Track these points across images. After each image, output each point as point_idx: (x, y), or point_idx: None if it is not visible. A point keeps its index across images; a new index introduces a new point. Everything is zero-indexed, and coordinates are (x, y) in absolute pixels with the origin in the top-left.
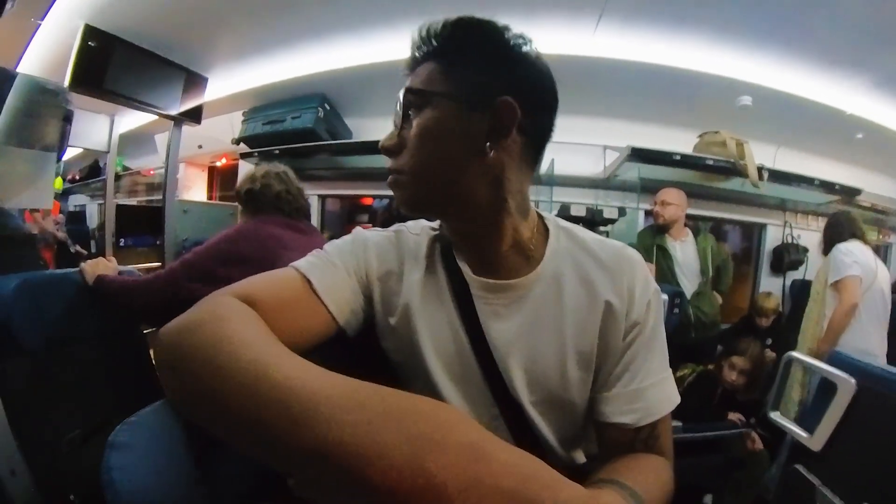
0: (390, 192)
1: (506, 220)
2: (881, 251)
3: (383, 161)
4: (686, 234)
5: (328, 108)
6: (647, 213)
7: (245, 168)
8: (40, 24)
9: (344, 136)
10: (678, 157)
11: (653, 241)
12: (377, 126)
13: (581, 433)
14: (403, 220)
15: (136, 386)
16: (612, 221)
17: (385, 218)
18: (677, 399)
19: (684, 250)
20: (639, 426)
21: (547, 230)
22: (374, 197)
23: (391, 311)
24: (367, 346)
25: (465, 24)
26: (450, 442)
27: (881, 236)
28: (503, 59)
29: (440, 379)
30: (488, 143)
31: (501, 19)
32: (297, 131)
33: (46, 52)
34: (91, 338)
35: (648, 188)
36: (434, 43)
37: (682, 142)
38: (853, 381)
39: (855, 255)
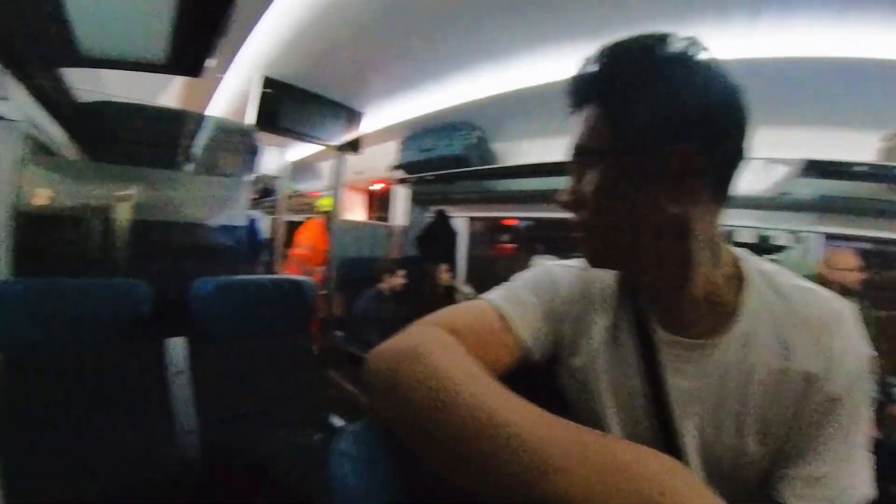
0: (531, 214)
1: (695, 274)
2: None
3: (527, 184)
4: None
5: (479, 134)
6: (829, 238)
7: (400, 192)
8: (222, 78)
9: (491, 161)
10: (865, 169)
11: None
12: (522, 149)
13: None
14: (545, 240)
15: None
16: (781, 249)
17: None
18: (870, 492)
19: None
20: None
21: (741, 275)
22: (519, 219)
23: (575, 351)
24: (540, 376)
25: (620, 55)
26: None
27: None
28: (674, 93)
29: (612, 426)
30: (664, 198)
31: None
32: (449, 158)
33: (226, 100)
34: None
35: (826, 208)
36: (593, 79)
37: (857, 147)
38: None
39: None
